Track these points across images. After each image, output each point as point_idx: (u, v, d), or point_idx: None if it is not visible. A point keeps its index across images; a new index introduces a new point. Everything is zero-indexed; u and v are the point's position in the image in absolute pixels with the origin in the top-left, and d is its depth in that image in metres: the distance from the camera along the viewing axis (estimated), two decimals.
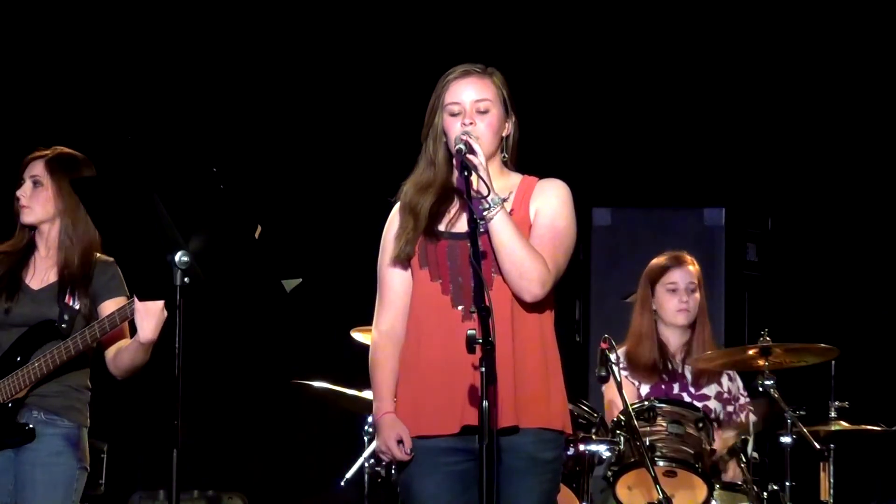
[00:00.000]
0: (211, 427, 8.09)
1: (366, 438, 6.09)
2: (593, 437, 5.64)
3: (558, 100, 8.22)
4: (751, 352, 5.87)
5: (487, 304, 3.94)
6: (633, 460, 5.57)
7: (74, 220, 5.07)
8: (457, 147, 4.19)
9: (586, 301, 8.24)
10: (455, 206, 4.34)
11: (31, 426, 4.96)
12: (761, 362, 5.82)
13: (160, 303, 4.74)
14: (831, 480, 6.02)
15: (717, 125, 8.36)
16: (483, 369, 3.92)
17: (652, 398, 5.86)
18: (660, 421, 5.68)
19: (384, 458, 4.34)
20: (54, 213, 5.10)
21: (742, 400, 6.18)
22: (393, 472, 5.81)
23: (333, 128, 8.40)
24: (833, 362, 6.08)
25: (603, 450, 5.61)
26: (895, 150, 8.18)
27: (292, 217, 8.05)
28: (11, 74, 7.88)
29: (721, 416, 6.10)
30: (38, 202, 5.10)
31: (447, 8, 8.23)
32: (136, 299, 4.74)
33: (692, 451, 5.63)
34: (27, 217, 5.12)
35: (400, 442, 4.26)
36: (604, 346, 5.57)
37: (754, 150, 8.34)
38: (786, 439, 5.82)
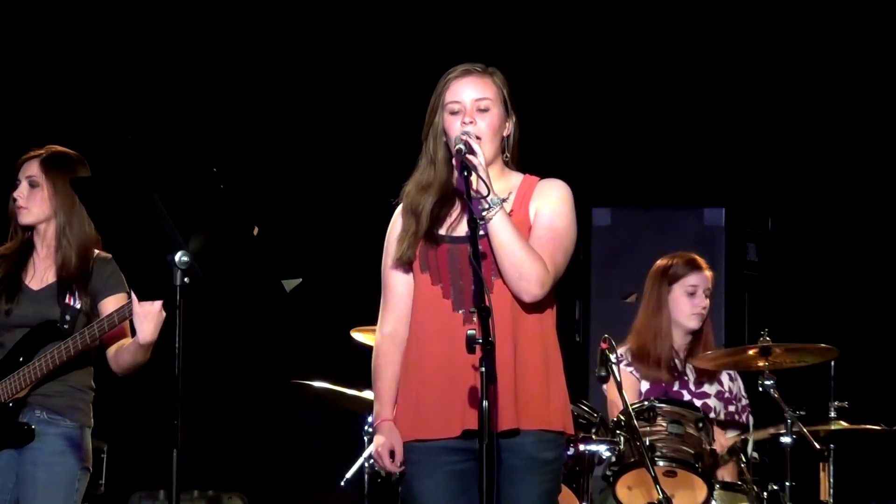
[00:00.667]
0: (211, 427, 8.09)
1: (366, 438, 6.09)
2: (593, 437, 5.64)
3: (558, 100, 8.22)
4: (751, 352, 5.88)
5: (487, 304, 3.94)
6: (633, 460, 5.57)
7: (70, 219, 5.07)
8: (457, 147, 4.19)
9: (586, 301, 8.24)
10: (456, 210, 4.34)
11: (31, 426, 4.95)
12: (761, 363, 5.82)
13: (158, 304, 4.73)
14: (831, 480, 6.02)
15: (717, 125, 8.36)
16: (483, 369, 3.92)
17: (652, 398, 5.85)
18: (660, 421, 5.68)
19: (377, 462, 4.34)
20: (51, 213, 5.10)
21: (744, 401, 6.18)
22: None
23: (333, 128, 8.39)
24: (833, 362, 6.08)
25: (603, 450, 5.61)
26: (895, 150, 8.18)
27: (292, 217, 8.05)
28: (5, 75, 7.88)
29: (722, 416, 6.10)
30: (34, 202, 5.10)
31: (447, 8, 8.23)
32: (134, 300, 4.74)
33: (692, 451, 5.62)
34: (25, 218, 5.11)
35: (392, 453, 4.27)
36: (604, 346, 5.57)
37: (754, 150, 8.34)
38: (786, 439, 5.82)
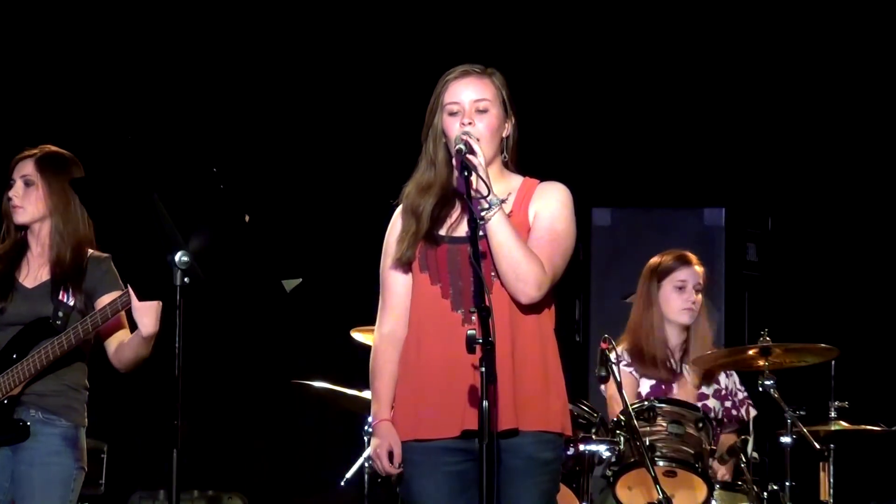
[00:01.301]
0: (211, 427, 8.09)
1: (366, 438, 6.09)
2: (593, 437, 5.64)
3: (558, 100, 8.22)
4: (751, 352, 5.88)
5: (488, 304, 3.94)
6: (633, 460, 5.57)
7: (65, 217, 5.08)
8: (457, 147, 4.18)
9: (586, 301, 8.24)
10: (456, 210, 4.33)
11: (25, 423, 4.95)
12: (761, 362, 5.82)
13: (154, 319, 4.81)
14: (831, 480, 6.02)
15: (717, 125, 8.36)
16: (483, 369, 3.92)
17: (652, 398, 5.86)
18: (660, 421, 5.68)
19: (375, 463, 4.34)
20: (46, 212, 5.10)
21: (740, 395, 6.17)
22: None
23: (333, 128, 8.40)
24: (833, 362, 6.08)
25: (603, 450, 5.61)
26: (895, 150, 8.18)
27: (293, 217, 8.05)
28: (2, 75, 7.88)
29: (720, 414, 6.10)
30: (30, 201, 5.11)
31: (447, 8, 8.23)
32: (130, 292, 4.75)
33: (692, 451, 5.62)
34: (20, 217, 5.12)
35: (391, 454, 4.27)
36: (604, 346, 5.57)
37: (754, 150, 8.34)
38: (786, 439, 5.82)
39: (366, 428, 6.08)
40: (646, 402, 5.74)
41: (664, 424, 5.67)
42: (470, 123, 4.27)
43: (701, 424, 5.71)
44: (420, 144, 4.38)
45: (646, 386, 6.04)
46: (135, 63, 8.10)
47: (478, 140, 4.20)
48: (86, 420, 5.08)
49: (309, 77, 8.37)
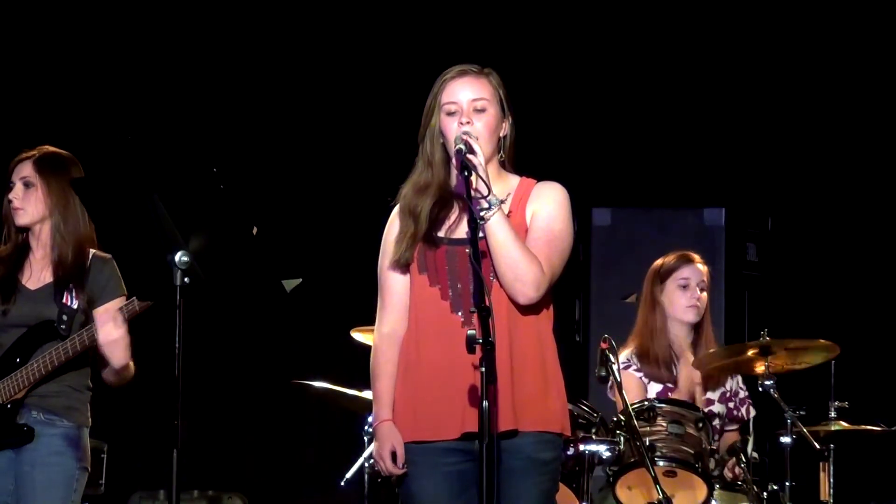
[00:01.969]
0: (211, 427, 8.09)
1: (366, 438, 6.09)
2: (593, 437, 5.64)
3: (557, 100, 8.22)
4: (750, 352, 5.87)
5: (487, 304, 3.94)
6: (633, 460, 5.56)
7: (65, 217, 5.08)
8: (457, 147, 4.18)
9: (586, 301, 8.24)
10: (455, 212, 4.33)
11: (29, 426, 4.95)
12: (761, 367, 5.80)
13: (121, 329, 4.82)
14: (831, 480, 6.02)
15: (717, 125, 8.36)
16: (483, 369, 3.91)
17: (652, 398, 5.85)
18: (660, 421, 5.68)
19: (379, 465, 4.33)
20: (46, 213, 5.10)
21: (741, 394, 6.17)
22: None
23: (332, 128, 8.40)
24: (833, 362, 6.07)
25: (603, 450, 5.61)
26: (895, 150, 8.18)
27: (292, 218, 8.05)
28: (2, 76, 7.88)
29: (724, 417, 6.10)
30: (30, 202, 5.10)
31: (446, 8, 8.23)
32: (96, 331, 4.76)
33: (692, 451, 5.62)
34: (21, 219, 5.11)
35: (394, 454, 4.26)
36: (604, 346, 5.57)
37: (754, 150, 8.34)
38: (786, 439, 5.82)
39: (366, 428, 6.08)
40: (646, 402, 5.74)
41: (664, 424, 5.67)
42: (468, 123, 4.27)
43: (701, 424, 5.71)
44: (418, 145, 4.38)
45: (653, 391, 6.03)
46: (135, 63, 8.10)
47: (476, 139, 4.21)
48: (89, 420, 5.08)
49: (307, 77, 8.36)
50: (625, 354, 5.97)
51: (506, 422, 4.13)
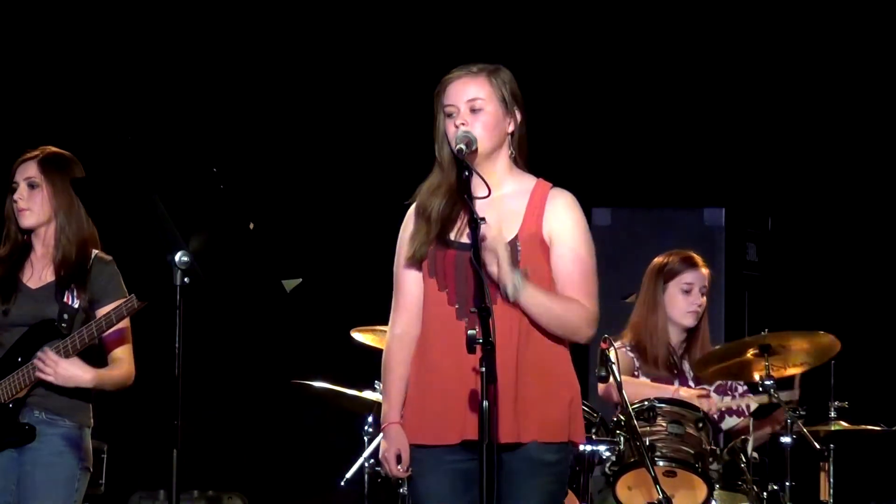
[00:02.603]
0: (211, 427, 8.08)
1: (366, 438, 6.10)
2: (593, 437, 5.65)
3: (558, 100, 8.22)
4: (750, 352, 5.86)
5: (487, 304, 3.94)
6: (633, 460, 5.57)
7: (69, 218, 5.08)
8: (457, 147, 4.20)
9: None
10: (464, 215, 4.32)
11: (31, 426, 4.96)
12: (759, 374, 5.80)
13: (70, 373, 4.90)
14: (831, 480, 6.02)
15: (717, 125, 8.36)
16: (483, 369, 3.91)
17: (652, 398, 5.85)
18: (660, 421, 5.68)
19: (383, 466, 4.33)
20: (51, 213, 5.10)
21: (740, 389, 6.17)
22: None
23: (335, 128, 8.39)
24: (833, 362, 6.07)
25: (603, 450, 5.62)
26: (895, 150, 8.18)
27: (293, 218, 8.05)
28: (2, 76, 7.88)
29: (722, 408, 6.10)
30: (35, 203, 5.10)
31: (452, 9, 8.23)
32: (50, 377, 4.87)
33: (692, 451, 5.63)
34: (27, 220, 5.11)
35: (399, 458, 4.26)
36: (604, 346, 5.57)
37: (754, 150, 8.34)
38: (786, 439, 5.82)
39: (366, 428, 6.08)
40: (646, 402, 5.74)
41: (664, 424, 5.67)
42: (463, 124, 4.27)
43: (701, 424, 5.71)
44: (422, 146, 4.40)
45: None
46: (135, 63, 8.10)
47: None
48: (91, 420, 5.09)
49: (312, 77, 8.36)
50: (619, 343, 5.94)
51: (508, 434, 4.12)
